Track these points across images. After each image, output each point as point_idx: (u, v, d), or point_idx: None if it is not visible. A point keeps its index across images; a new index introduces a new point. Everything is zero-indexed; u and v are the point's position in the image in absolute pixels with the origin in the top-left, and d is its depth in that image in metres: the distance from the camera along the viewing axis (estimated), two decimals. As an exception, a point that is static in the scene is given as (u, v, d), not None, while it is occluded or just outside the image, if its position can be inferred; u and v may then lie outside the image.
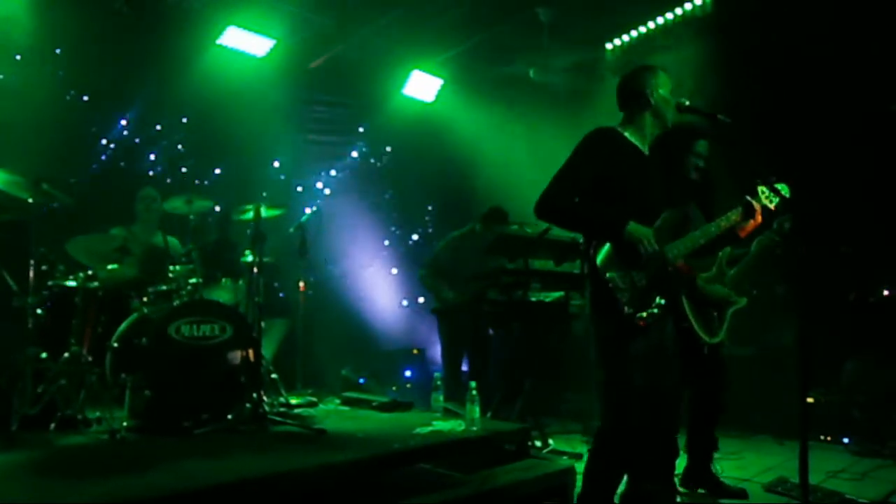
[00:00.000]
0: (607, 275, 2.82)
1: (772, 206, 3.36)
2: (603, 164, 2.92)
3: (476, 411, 4.04)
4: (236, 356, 4.19)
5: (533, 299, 5.65)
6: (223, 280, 4.68)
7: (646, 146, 3.08)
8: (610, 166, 2.92)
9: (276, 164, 7.70)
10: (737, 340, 4.32)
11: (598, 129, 2.99)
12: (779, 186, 3.27)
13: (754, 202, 3.30)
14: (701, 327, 3.90)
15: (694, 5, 6.45)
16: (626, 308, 2.79)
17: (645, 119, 3.05)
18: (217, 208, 5.89)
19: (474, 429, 3.95)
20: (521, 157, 6.91)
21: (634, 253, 2.82)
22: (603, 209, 2.91)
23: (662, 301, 2.85)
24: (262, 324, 4.50)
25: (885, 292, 5.23)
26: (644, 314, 2.79)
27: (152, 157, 6.87)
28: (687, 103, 3.05)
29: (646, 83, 3.05)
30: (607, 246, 2.86)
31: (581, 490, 3.08)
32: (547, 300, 5.78)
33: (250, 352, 4.25)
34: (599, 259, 2.85)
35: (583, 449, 5.00)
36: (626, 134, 3.05)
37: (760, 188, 3.37)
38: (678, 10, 6.57)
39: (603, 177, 2.92)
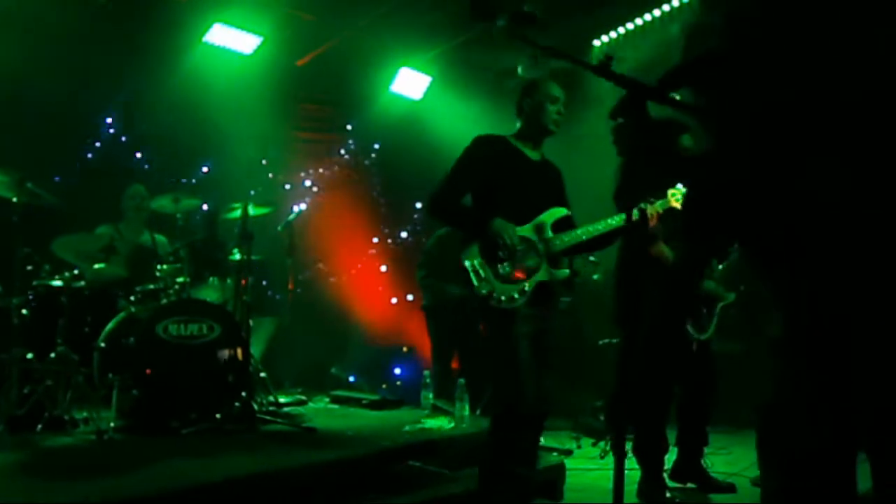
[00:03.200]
0: (465, 262, 3.06)
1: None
2: (482, 168, 3.16)
3: (465, 409, 4.05)
4: (224, 355, 4.17)
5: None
6: (211, 279, 4.66)
7: (535, 151, 3.30)
8: (489, 170, 3.16)
9: (264, 162, 7.67)
10: (725, 336, 4.34)
11: (479, 136, 3.23)
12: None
13: (650, 209, 3.36)
14: (690, 323, 3.94)
15: (681, 2, 6.46)
16: (481, 291, 3.00)
17: (523, 126, 3.29)
18: (204, 206, 5.87)
19: (464, 426, 3.97)
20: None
21: (495, 246, 3.02)
22: (472, 209, 3.20)
23: (527, 287, 3.02)
24: (251, 322, 4.49)
25: None
26: (503, 297, 2.98)
27: (139, 155, 6.82)
28: (678, 97, 3.04)
29: (522, 95, 3.30)
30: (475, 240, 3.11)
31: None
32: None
33: (239, 351, 4.23)
34: (464, 250, 3.10)
35: (572, 445, 5.02)
36: (513, 140, 3.28)
37: (671, 191, 3.42)
38: (665, 7, 6.58)
39: (482, 180, 3.17)
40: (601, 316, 5.59)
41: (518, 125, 3.31)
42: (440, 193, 3.18)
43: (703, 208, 1.99)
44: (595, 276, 6.31)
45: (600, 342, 5.69)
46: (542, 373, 3.12)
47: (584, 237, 3.20)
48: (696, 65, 1.90)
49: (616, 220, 3.23)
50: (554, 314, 3.27)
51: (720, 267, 3.98)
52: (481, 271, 3.03)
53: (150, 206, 5.10)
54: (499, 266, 3.04)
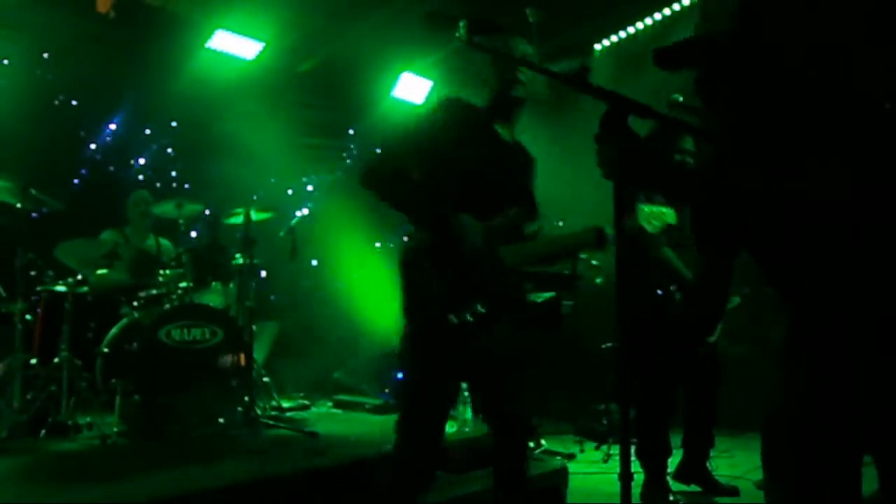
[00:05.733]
0: (414, 265, 2.45)
1: (649, 230, 3.02)
2: (443, 138, 2.46)
3: (468, 412, 4.05)
4: (227, 360, 4.18)
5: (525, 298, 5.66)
6: (213, 284, 4.67)
7: (507, 129, 2.64)
8: (450, 144, 2.46)
9: (266, 167, 7.68)
10: (729, 338, 4.33)
11: (449, 97, 2.58)
12: (664, 210, 2.98)
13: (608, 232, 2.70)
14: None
15: (682, 6, 6.47)
16: (432, 305, 2.39)
17: (490, 98, 2.59)
18: (207, 212, 5.88)
19: (466, 430, 3.97)
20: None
21: (458, 249, 2.40)
22: (421, 192, 2.46)
23: (482, 309, 2.40)
24: (254, 327, 4.50)
25: None
26: (455, 318, 2.38)
27: (141, 161, 6.84)
28: (680, 99, 3.03)
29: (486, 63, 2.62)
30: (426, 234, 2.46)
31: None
32: (538, 300, 5.78)
33: (241, 355, 4.24)
34: (413, 245, 2.48)
35: (575, 449, 5.01)
36: (487, 113, 2.60)
37: (641, 206, 3.01)
38: (666, 11, 6.59)
39: (441, 155, 2.46)
40: (603, 320, 5.58)
41: (485, 94, 2.61)
42: (380, 161, 2.54)
43: (711, 220, 1.92)
44: (598, 280, 6.30)
45: (602, 346, 5.68)
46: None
47: (537, 252, 2.63)
48: (703, 43, 1.78)
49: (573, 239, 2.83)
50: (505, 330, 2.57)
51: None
52: (433, 278, 2.43)
53: (153, 211, 5.11)
54: (449, 272, 2.43)
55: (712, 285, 3.72)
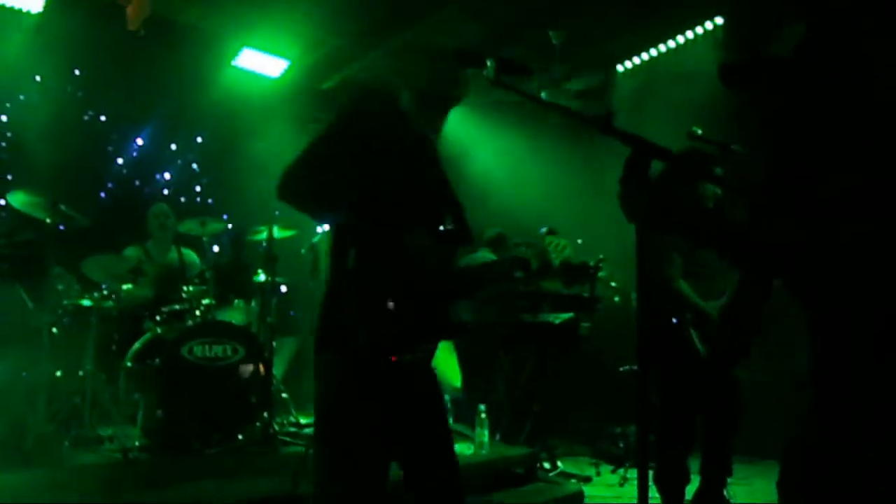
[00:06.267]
0: (350, 292, 2.05)
1: (555, 264, 2.56)
2: (368, 139, 2.12)
3: (485, 434, 4.05)
4: (248, 377, 4.23)
5: (542, 320, 5.67)
6: (236, 301, 4.72)
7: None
8: (374, 144, 2.13)
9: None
10: (747, 365, 4.31)
11: (368, 89, 2.31)
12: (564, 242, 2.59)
13: (532, 259, 2.39)
14: (706, 352, 3.92)
15: (705, 29, 6.48)
16: (366, 338, 1.99)
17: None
18: (229, 226, 5.95)
19: (483, 452, 3.97)
20: (530, 179, 6.92)
21: (409, 272, 2.04)
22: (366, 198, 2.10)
23: (428, 346, 2.12)
24: (273, 343, 4.54)
25: None
26: (401, 356, 2.03)
27: (167, 175, 6.95)
28: (699, 132, 3.03)
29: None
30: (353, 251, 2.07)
31: None
32: (556, 321, 5.79)
33: (261, 372, 4.28)
34: (349, 264, 2.07)
35: (591, 471, 4.99)
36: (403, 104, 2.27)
37: (548, 239, 2.56)
38: (689, 34, 6.60)
39: (367, 159, 2.10)
40: (621, 341, 5.58)
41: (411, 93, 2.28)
42: (298, 168, 2.07)
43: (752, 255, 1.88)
44: (616, 299, 6.30)
45: (620, 369, 5.67)
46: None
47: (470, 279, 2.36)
48: (770, 63, 1.74)
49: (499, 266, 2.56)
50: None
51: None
52: (375, 305, 2.01)
53: (175, 223, 5.15)
54: (392, 301, 2.01)
55: (749, 300, 3.68)
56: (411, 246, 2.06)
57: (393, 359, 2.00)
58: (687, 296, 3.68)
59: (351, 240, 2.09)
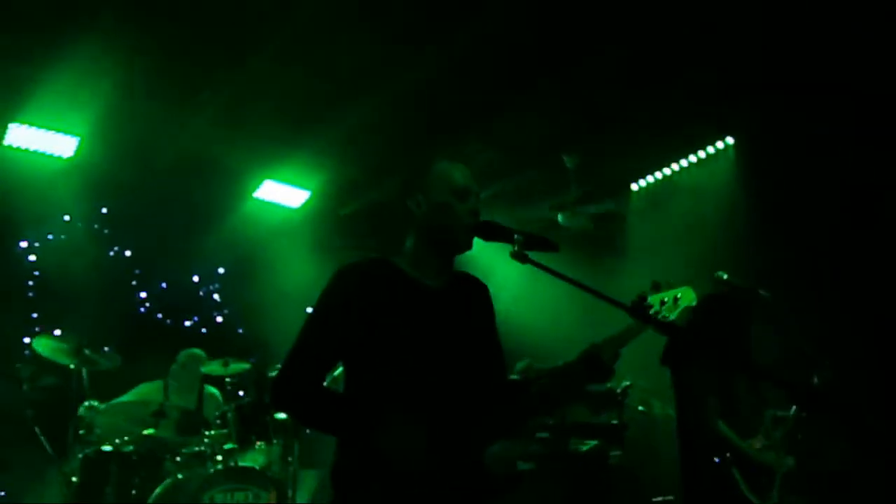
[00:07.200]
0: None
1: None
2: (356, 319, 1.97)
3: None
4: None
5: (570, 450, 5.50)
6: (258, 444, 4.61)
7: (438, 277, 2.14)
8: (365, 323, 1.97)
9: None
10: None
11: (342, 268, 2.07)
12: None
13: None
14: (749, 489, 3.80)
15: (717, 149, 6.61)
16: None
17: (416, 241, 2.14)
18: (252, 360, 5.89)
19: None
20: (546, 302, 6.84)
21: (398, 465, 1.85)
22: (350, 407, 1.98)
23: None
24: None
25: None
26: None
27: (188, 307, 7.00)
28: (725, 277, 3.03)
29: (410, 189, 2.15)
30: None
31: None
32: (583, 449, 5.61)
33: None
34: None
35: None
36: (401, 264, 2.12)
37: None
38: (701, 154, 6.73)
39: (357, 340, 1.97)
40: (652, 464, 5.39)
41: (408, 242, 2.15)
42: (288, 373, 1.97)
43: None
44: (640, 408, 6.06)
45: (654, 500, 5.45)
46: None
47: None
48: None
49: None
50: None
51: (778, 435, 3.86)
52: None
53: (200, 370, 5.09)
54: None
55: None
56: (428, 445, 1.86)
57: None
58: (727, 436, 3.66)
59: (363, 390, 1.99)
